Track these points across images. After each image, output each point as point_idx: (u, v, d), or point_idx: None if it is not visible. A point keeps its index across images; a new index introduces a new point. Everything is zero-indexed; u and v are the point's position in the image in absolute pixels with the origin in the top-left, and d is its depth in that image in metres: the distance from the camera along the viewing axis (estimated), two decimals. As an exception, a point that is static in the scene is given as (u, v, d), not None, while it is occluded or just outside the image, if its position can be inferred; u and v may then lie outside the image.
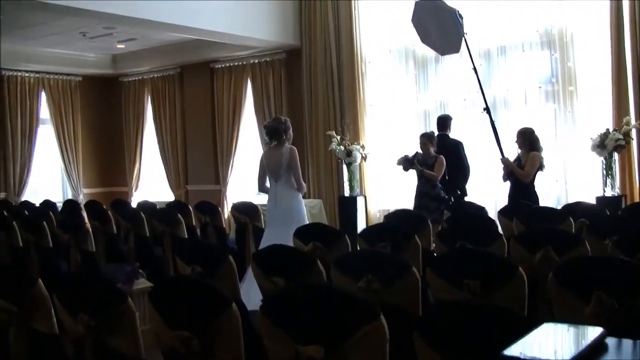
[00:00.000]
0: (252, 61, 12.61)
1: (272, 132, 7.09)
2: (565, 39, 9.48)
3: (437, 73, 10.69)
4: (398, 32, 10.80)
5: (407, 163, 8.27)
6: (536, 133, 7.79)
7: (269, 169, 7.11)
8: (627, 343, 1.57)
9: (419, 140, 8.45)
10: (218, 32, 10.74)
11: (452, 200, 8.25)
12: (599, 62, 9.32)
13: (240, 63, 12.80)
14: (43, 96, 13.59)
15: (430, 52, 10.35)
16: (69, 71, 13.83)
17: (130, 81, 14.69)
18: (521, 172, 7.65)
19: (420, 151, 8.36)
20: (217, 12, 10.34)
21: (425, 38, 8.46)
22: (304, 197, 7.41)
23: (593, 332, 1.55)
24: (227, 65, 13.01)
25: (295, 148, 7.14)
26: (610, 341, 1.56)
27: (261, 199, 11.32)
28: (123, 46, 13.00)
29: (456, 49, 8.26)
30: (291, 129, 7.23)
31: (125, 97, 14.81)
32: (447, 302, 2.87)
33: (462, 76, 10.09)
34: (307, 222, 6.93)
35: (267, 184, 7.20)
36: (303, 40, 11.75)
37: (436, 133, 8.76)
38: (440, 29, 8.12)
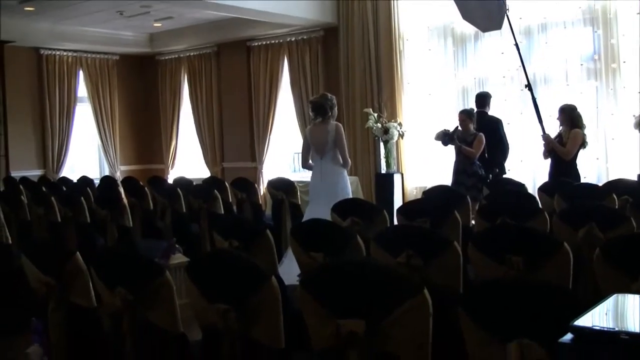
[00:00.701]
0: (289, 39, 12.53)
1: (318, 108, 7.08)
2: (609, 15, 9.27)
3: (476, 50, 10.53)
4: (436, 9, 10.66)
5: (446, 138, 8.18)
6: (578, 110, 7.66)
7: (314, 145, 7.10)
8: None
9: (457, 117, 8.34)
10: (255, 10, 10.67)
11: (490, 177, 8.14)
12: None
13: (277, 41, 12.74)
14: (81, 75, 13.70)
15: (468, 29, 10.21)
16: (106, 50, 13.91)
17: (167, 59, 14.71)
18: (562, 150, 7.53)
19: (460, 127, 8.26)
20: (253, -12, 10.28)
21: (467, 15, 8.29)
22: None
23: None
24: (264, 43, 12.95)
25: (341, 125, 7.14)
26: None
27: (297, 176, 11.35)
28: (160, 25, 13.01)
29: (498, 26, 8.10)
30: (336, 106, 7.20)
31: (162, 76, 14.85)
32: (492, 280, 2.80)
33: (501, 53, 9.96)
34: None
35: (311, 160, 7.21)
36: (341, 18, 11.64)
37: (475, 110, 8.64)
38: (482, 5, 7.98)
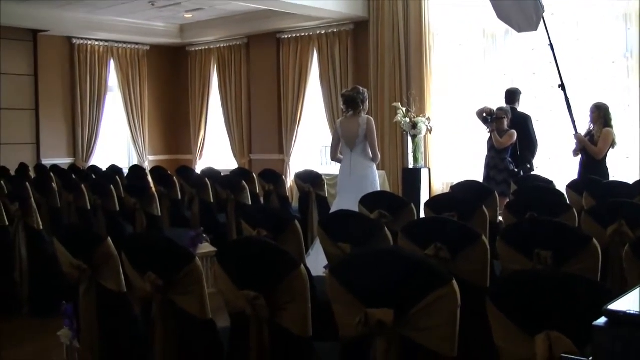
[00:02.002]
0: (318, 32, 12.55)
1: (350, 102, 7.15)
2: (643, 12, 9.21)
3: (506, 46, 10.49)
4: (467, 4, 10.63)
5: (487, 116, 8.23)
6: (611, 109, 7.64)
7: (345, 138, 7.17)
8: None
9: (495, 114, 8.34)
10: (286, 2, 10.71)
11: (522, 174, 8.13)
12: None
13: (306, 34, 12.77)
14: (112, 64, 13.86)
15: (499, 25, 10.14)
16: (137, 40, 14.04)
17: (197, 51, 14.80)
18: (594, 149, 7.50)
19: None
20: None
21: (502, 14, 8.28)
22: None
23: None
24: (294, 35, 12.99)
25: (372, 119, 7.23)
26: None
27: (325, 169, 11.36)
28: (191, 15, 13.08)
29: (534, 27, 8.07)
30: (368, 100, 7.28)
31: (191, 67, 14.95)
32: (521, 271, 2.80)
33: (531, 50, 9.92)
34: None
35: (341, 153, 7.30)
36: (371, 12, 11.65)
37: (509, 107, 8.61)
38: (518, 5, 7.97)
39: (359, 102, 7.10)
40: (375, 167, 7.25)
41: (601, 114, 7.59)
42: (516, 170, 8.12)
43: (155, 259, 3.07)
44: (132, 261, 3.18)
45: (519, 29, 8.60)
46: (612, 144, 7.57)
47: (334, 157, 7.46)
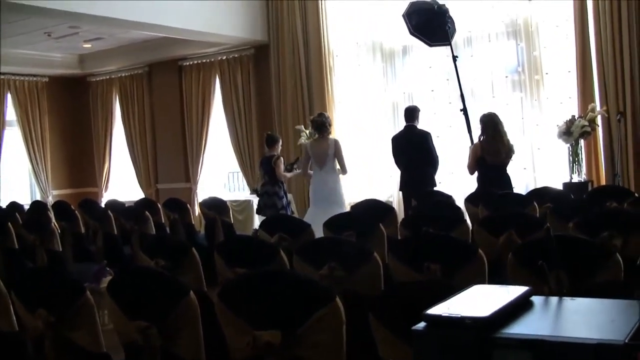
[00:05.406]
0: (220, 58, 12.56)
1: (319, 126, 8.20)
2: (531, 28, 9.57)
3: (405, 65, 10.73)
4: (365, 25, 10.87)
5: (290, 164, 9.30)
6: (492, 119, 7.61)
7: (315, 157, 8.17)
8: (553, 300, 1.59)
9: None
10: (185, 29, 10.69)
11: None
12: (564, 50, 9.43)
13: (208, 60, 12.76)
14: (9, 98, 13.46)
15: (397, 45, 10.46)
16: (35, 72, 13.71)
17: (98, 81, 14.58)
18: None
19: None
20: (183, 8, 10.29)
21: (415, 30, 8.74)
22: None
23: (519, 291, 1.57)
24: (196, 62, 12.96)
25: (339, 140, 8.34)
26: (537, 299, 1.58)
27: (232, 195, 11.36)
28: (90, 45, 12.89)
29: (448, 40, 8.71)
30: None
31: (93, 97, 14.70)
32: (398, 283, 2.88)
33: (429, 67, 10.20)
34: (345, 201, 8.30)
35: (310, 170, 8.28)
36: (271, 36, 11.72)
37: (404, 124, 8.78)
38: (432, 21, 8.50)
39: (327, 126, 8.18)
40: (341, 181, 8.28)
41: (486, 127, 7.56)
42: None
43: (45, 295, 3.02)
44: (22, 298, 3.12)
45: (430, 43, 8.97)
46: (503, 155, 7.56)
47: (305, 174, 8.53)
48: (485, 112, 7.85)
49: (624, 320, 1.41)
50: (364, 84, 11.11)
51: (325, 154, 8.09)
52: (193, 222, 8.92)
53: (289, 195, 9.87)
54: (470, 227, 5.03)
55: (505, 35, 9.86)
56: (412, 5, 8.87)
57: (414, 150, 8.49)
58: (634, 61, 8.72)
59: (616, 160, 8.68)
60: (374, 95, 10.98)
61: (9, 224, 7.04)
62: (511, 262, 3.11)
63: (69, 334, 2.93)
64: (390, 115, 10.75)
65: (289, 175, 9.12)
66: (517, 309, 1.51)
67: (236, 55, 12.35)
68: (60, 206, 9.43)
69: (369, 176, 10.90)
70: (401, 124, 9.15)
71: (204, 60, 12.81)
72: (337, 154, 8.09)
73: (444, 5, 8.76)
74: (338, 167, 8.21)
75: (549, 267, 2.45)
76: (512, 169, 8.14)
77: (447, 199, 6.90)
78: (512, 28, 9.76)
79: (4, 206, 10.30)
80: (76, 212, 8.37)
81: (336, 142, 8.16)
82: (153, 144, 13.76)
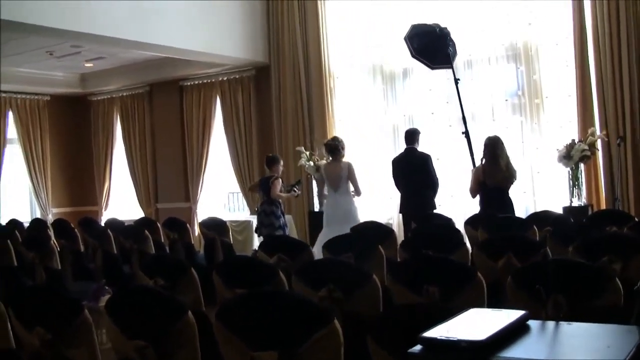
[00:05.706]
0: (221, 78, 12.60)
1: (332, 149, 8.32)
2: (530, 52, 9.60)
3: (405, 87, 10.76)
4: (365, 48, 10.90)
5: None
6: (494, 142, 7.65)
7: (329, 180, 8.34)
8: (550, 324, 1.59)
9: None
10: (186, 49, 10.72)
11: None
12: (564, 74, 9.46)
13: (209, 80, 12.79)
14: (10, 116, 13.47)
15: (397, 67, 10.50)
16: (36, 90, 13.73)
17: (99, 100, 14.61)
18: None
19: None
20: (186, 29, 10.34)
21: (417, 52, 8.78)
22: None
23: (515, 314, 1.58)
24: (196, 82, 12.99)
25: (352, 163, 8.41)
26: (533, 323, 1.59)
27: (232, 215, 11.35)
28: (91, 65, 12.93)
29: (449, 63, 8.72)
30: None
31: (94, 116, 14.73)
32: (396, 305, 2.88)
33: (429, 90, 10.23)
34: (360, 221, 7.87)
35: (326, 192, 8.49)
36: (272, 57, 11.76)
37: (404, 146, 8.79)
38: (434, 44, 8.57)
39: (340, 149, 8.26)
40: (355, 202, 8.42)
41: (486, 150, 7.63)
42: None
43: (43, 313, 3.02)
44: (19, 316, 3.12)
45: (432, 66, 9.03)
46: (500, 177, 7.57)
47: (320, 196, 8.96)
48: (490, 134, 7.87)
49: (620, 345, 1.42)
50: (364, 106, 11.14)
51: (339, 177, 8.24)
52: (192, 242, 8.91)
53: (287, 217, 9.90)
54: (470, 250, 5.01)
55: (505, 58, 9.90)
56: (413, 28, 8.94)
57: (414, 172, 8.50)
58: (634, 86, 8.76)
59: (616, 185, 8.69)
60: (375, 118, 11.01)
61: (9, 241, 7.04)
62: (510, 285, 3.11)
63: (66, 353, 2.92)
64: (391, 138, 10.77)
65: (284, 195, 9.09)
66: (514, 332, 1.51)
67: (237, 76, 12.39)
68: (60, 224, 9.44)
69: (369, 198, 10.89)
70: (401, 147, 9.15)
71: (205, 81, 12.84)
72: (351, 176, 8.25)
73: (446, 28, 8.83)
74: (352, 189, 8.33)
75: (547, 291, 2.45)
76: (512, 192, 8.14)
77: (447, 222, 6.91)
78: (512, 52, 9.80)
79: (3, 223, 10.30)
80: (76, 230, 8.38)
81: (349, 165, 8.29)
82: (153, 163, 13.76)
